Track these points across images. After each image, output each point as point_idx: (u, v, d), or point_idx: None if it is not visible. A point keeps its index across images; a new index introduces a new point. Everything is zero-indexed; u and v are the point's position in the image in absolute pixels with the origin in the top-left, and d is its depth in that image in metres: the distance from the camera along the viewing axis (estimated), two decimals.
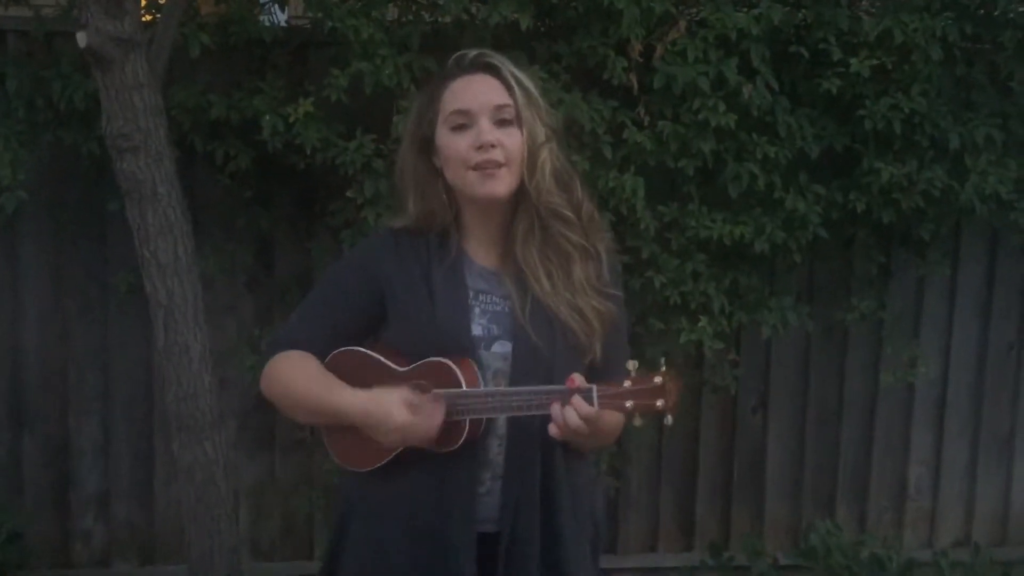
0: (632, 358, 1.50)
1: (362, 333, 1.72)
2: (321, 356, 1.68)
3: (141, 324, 3.06)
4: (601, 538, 1.79)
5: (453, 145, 1.61)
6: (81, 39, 2.51)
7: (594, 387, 1.49)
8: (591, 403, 1.48)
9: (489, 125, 1.59)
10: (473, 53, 1.66)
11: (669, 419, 1.48)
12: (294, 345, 1.70)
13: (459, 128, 1.61)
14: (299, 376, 1.67)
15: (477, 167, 1.59)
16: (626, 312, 1.77)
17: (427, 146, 1.65)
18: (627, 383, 1.48)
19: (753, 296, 3.20)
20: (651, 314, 3.10)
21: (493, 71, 1.63)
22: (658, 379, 1.47)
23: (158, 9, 2.93)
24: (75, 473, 3.37)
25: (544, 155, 1.62)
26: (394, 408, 1.56)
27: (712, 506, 3.68)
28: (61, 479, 3.37)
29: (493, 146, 1.58)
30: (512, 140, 1.60)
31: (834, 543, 3.44)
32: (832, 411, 3.69)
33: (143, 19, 2.74)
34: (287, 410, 1.73)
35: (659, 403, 1.46)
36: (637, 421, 1.51)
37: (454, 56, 1.68)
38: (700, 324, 3.03)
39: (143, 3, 2.86)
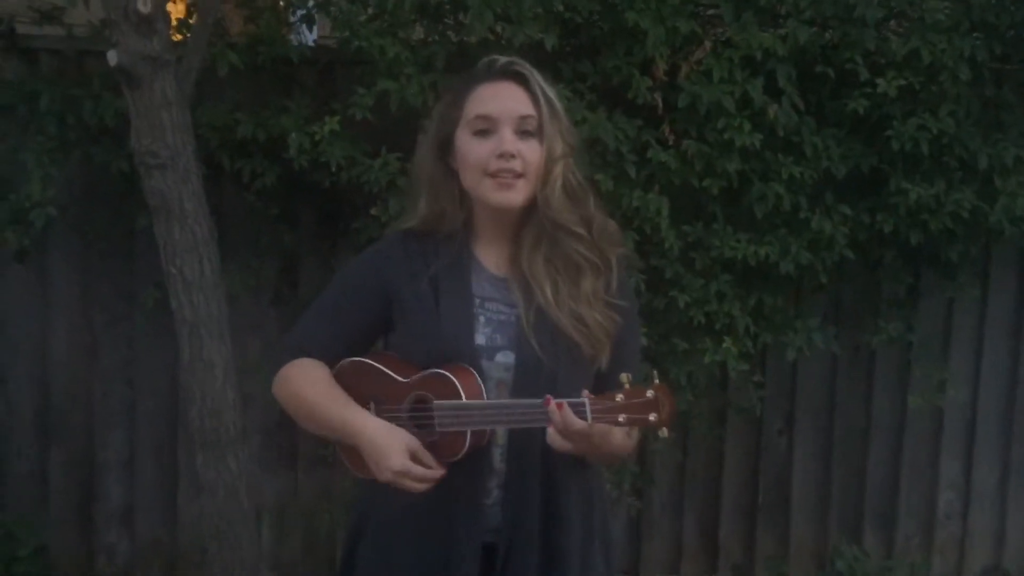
0: (656, 377, 1.48)
1: (371, 337, 1.73)
2: (331, 362, 1.69)
3: (167, 340, 3.08)
4: (612, 553, 1.77)
5: (474, 150, 1.61)
6: (112, 58, 2.55)
7: (586, 400, 1.47)
8: (584, 416, 1.47)
9: (511, 135, 1.60)
10: (503, 60, 1.66)
11: (664, 432, 1.46)
12: (305, 351, 1.71)
13: (481, 133, 1.61)
14: (308, 386, 1.68)
15: (494, 174, 1.60)
16: (638, 323, 1.76)
17: (446, 147, 1.66)
18: (619, 397, 1.46)
19: (779, 317, 3.18)
20: (675, 334, 3.08)
21: (521, 80, 1.63)
22: (650, 393, 1.45)
23: (188, 29, 2.97)
24: (100, 487, 3.39)
25: (558, 170, 1.62)
26: (395, 451, 1.55)
27: (736, 529, 3.64)
28: (86, 493, 3.39)
29: (513, 156, 1.59)
30: (532, 152, 1.60)
31: (860, 569, 3.40)
32: (859, 434, 3.64)
33: (173, 39, 2.77)
34: (295, 417, 1.74)
35: (652, 417, 1.44)
36: (634, 434, 1.49)
37: (484, 60, 1.68)
38: (725, 345, 3.01)
39: (173, 23, 2.89)
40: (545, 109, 1.62)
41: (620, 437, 1.59)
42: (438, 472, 1.56)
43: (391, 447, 1.56)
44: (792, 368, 3.52)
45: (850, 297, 3.50)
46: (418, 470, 1.55)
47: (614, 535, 1.81)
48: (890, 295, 3.42)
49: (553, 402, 1.48)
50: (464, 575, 1.60)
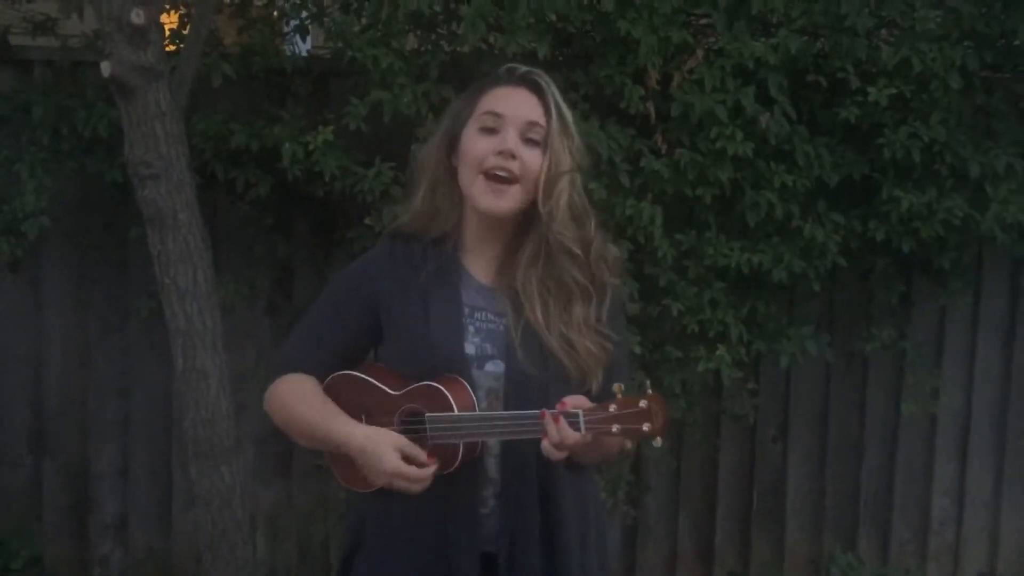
0: (648, 387, 1.48)
1: (361, 349, 1.73)
2: (321, 376, 1.70)
3: (162, 350, 3.08)
4: (608, 560, 1.78)
5: (476, 144, 1.61)
6: (105, 68, 2.55)
7: (580, 411, 1.48)
8: (578, 428, 1.47)
9: (515, 137, 1.60)
10: (524, 68, 1.68)
11: (658, 442, 1.46)
12: (295, 367, 1.72)
13: (486, 131, 1.61)
14: (298, 401, 1.69)
15: (488, 173, 1.60)
16: (626, 349, 1.77)
17: (454, 144, 1.66)
18: (613, 407, 1.46)
19: (772, 325, 3.19)
20: (669, 342, 3.08)
21: (537, 89, 1.64)
22: (643, 402, 1.45)
23: (181, 39, 2.98)
24: (94, 498, 3.38)
25: (563, 184, 1.61)
26: (387, 452, 1.55)
27: (731, 536, 3.64)
28: (80, 503, 3.38)
29: (513, 157, 1.59)
30: (532, 160, 1.60)
31: None
32: (853, 441, 3.65)
33: (166, 49, 2.78)
34: (287, 432, 1.75)
35: (645, 427, 1.45)
36: (628, 445, 1.50)
37: (506, 66, 1.70)
38: (718, 353, 3.01)
39: (166, 33, 2.90)
40: (555, 122, 1.62)
41: (616, 440, 1.59)
42: (431, 469, 1.55)
43: (381, 451, 1.56)
44: (786, 375, 3.53)
45: (843, 305, 3.51)
46: (412, 470, 1.54)
47: (609, 542, 1.81)
48: (883, 302, 3.43)
49: (548, 415, 1.49)
50: None
